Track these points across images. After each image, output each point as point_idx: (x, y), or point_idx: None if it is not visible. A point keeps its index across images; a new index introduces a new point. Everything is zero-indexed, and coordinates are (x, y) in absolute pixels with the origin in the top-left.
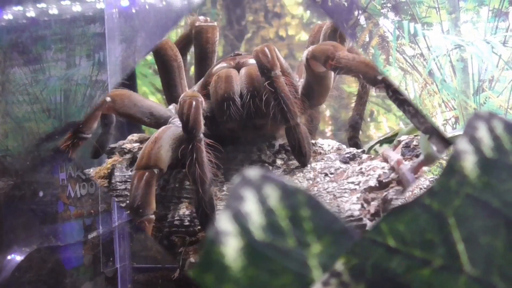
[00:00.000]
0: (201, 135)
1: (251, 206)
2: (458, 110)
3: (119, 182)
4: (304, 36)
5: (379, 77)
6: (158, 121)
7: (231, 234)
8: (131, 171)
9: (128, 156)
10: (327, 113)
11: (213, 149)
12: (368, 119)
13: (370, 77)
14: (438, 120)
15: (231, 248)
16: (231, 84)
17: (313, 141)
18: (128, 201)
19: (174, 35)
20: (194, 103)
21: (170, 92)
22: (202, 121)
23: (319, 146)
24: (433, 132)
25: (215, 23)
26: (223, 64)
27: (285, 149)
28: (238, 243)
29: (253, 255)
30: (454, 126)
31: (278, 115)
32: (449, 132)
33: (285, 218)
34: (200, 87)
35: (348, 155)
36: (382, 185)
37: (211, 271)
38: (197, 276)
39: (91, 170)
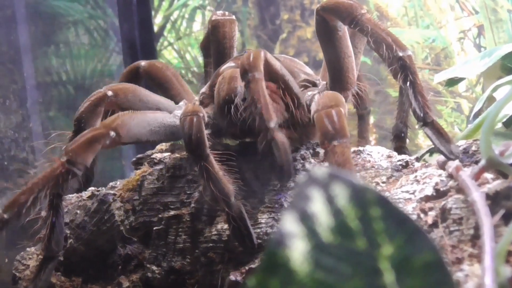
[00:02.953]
0: (207, 151)
1: (318, 206)
2: (482, 14)
3: (150, 195)
4: None
5: (401, 54)
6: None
7: (297, 236)
8: (162, 183)
9: (159, 167)
10: (371, 119)
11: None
12: (416, 126)
13: (392, 51)
14: (451, 33)
15: (297, 251)
16: (234, 86)
17: (361, 148)
18: None
19: (201, 34)
20: (195, 120)
21: (176, 101)
22: (206, 138)
23: (368, 154)
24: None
25: (233, 17)
26: (231, 64)
27: None
28: (305, 246)
29: (321, 258)
30: (477, 40)
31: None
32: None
33: (355, 218)
34: (208, 88)
35: (400, 162)
36: (440, 194)
37: (276, 276)
38: (260, 281)
39: (118, 183)
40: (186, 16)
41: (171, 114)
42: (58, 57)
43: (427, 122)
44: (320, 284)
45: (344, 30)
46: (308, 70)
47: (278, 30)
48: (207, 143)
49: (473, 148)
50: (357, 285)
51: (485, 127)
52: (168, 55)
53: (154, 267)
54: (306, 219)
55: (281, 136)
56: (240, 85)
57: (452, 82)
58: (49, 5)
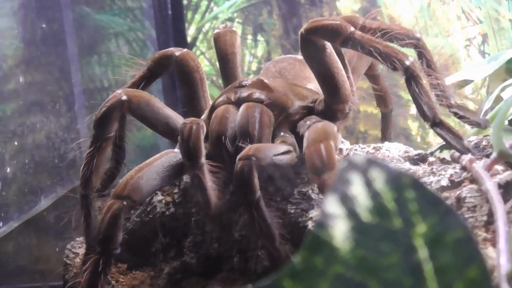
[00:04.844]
0: (203, 160)
1: (357, 189)
2: (485, 23)
3: (188, 188)
4: None
5: (407, 63)
6: (172, 133)
7: (339, 216)
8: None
9: None
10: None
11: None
12: (427, 126)
13: (400, 62)
14: (457, 41)
15: (339, 230)
16: (225, 127)
17: (379, 144)
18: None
19: None
20: (194, 127)
21: (193, 105)
22: (203, 147)
23: (386, 150)
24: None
25: (234, 29)
26: (224, 98)
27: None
28: (346, 225)
29: (361, 237)
30: (482, 47)
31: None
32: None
33: (391, 200)
34: (207, 117)
35: (417, 157)
36: (455, 185)
37: (320, 253)
38: (305, 258)
39: None
40: (220, 25)
41: (175, 151)
42: (101, 66)
43: (436, 122)
44: (360, 260)
45: (330, 47)
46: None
47: None
48: (204, 153)
49: (484, 143)
50: (393, 261)
51: (496, 122)
52: (201, 63)
53: (192, 254)
54: (347, 201)
55: None
56: (230, 125)
57: (463, 84)
58: (93, 19)
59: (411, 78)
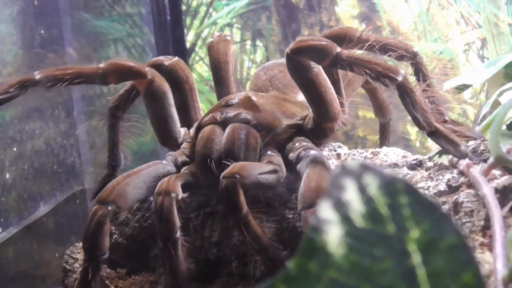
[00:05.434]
0: (177, 235)
1: (351, 195)
2: (484, 28)
3: (187, 194)
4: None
5: (399, 79)
6: (163, 134)
7: (332, 222)
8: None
9: None
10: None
11: None
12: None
13: (390, 79)
14: (456, 45)
15: (333, 235)
16: (210, 149)
17: (378, 150)
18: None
19: None
20: (165, 202)
21: (183, 115)
22: (177, 221)
23: (385, 154)
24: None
25: (228, 38)
26: (210, 117)
27: None
28: (340, 231)
29: (355, 242)
30: (480, 52)
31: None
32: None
33: (385, 206)
34: (193, 134)
35: (415, 162)
36: (452, 189)
37: (314, 258)
38: (299, 264)
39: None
40: (216, 33)
41: (163, 162)
42: None
43: (432, 131)
44: (354, 265)
45: (318, 66)
46: None
47: None
48: (178, 226)
49: (481, 147)
50: (387, 266)
51: (493, 127)
52: (200, 68)
53: (191, 259)
54: (341, 207)
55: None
56: (215, 147)
57: (461, 88)
58: (92, 25)
59: (404, 94)
